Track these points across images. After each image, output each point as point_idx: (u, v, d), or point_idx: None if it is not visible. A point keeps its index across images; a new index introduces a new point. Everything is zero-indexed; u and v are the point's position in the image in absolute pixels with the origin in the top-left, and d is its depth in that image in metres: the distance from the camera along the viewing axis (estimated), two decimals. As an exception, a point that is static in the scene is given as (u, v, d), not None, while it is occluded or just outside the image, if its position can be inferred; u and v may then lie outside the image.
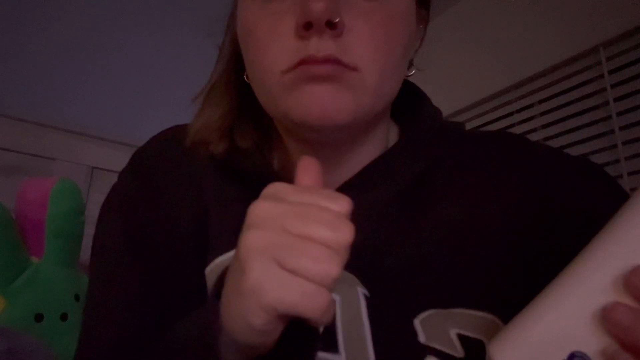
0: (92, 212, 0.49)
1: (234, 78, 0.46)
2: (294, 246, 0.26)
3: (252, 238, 0.27)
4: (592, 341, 0.27)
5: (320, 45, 0.35)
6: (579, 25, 1.32)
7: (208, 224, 0.43)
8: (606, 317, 0.26)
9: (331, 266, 0.26)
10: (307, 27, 0.35)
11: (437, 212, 0.42)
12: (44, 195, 1.06)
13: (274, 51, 0.37)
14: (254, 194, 0.43)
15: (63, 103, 1.57)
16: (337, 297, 0.38)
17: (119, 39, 1.65)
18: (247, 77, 0.44)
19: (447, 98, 1.63)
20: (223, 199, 0.44)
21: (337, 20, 0.34)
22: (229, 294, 0.28)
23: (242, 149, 0.44)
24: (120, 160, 0.51)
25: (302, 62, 0.35)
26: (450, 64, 1.64)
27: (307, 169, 0.31)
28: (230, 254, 0.41)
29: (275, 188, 0.30)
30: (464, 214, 0.41)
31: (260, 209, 0.28)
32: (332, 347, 0.36)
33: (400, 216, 0.42)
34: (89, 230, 0.47)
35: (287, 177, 0.42)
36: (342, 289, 0.39)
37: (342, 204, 0.28)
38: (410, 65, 0.46)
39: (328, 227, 0.26)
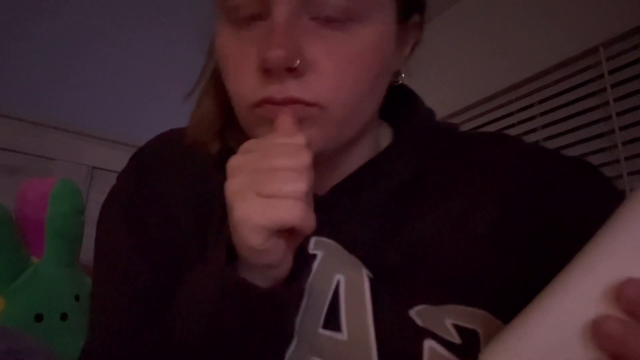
0: (92, 212, 0.49)
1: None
2: (265, 178, 0.31)
3: (232, 184, 0.33)
4: (583, 353, 0.26)
5: (281, 87, 0.35)
6: (579, 25, 1.32)
7: (212, 219, 0.43)
8: (596, 330, 0.26)
9: (297, 183, 0.31)
10: (267, 71, 0.35)
11: (430, 213, 0.42)
12: (44, 195, 1.06)
13: (241, 84, 0.38)
14: None
15: (63, 103, 1.57)
16: (341, 278, 0.39)
17: (119, 38, 1.65)
18: None
19: (448, 98, 1.64)
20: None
21: (297, 64, 0.34)
22: (232, 235, 0.33)
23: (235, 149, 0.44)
24: (120, 160, 0.51)
25: (266, 101, 0.36)
26: (450, 64, 1.64)
27: (284, 119, 0.35)
28: None
29: (244, 145, 0.35)
30: (458, 214, 0.41)
31: (234, 161, 0.34)
32: (335, 326, 0.37)
33: (393, 217, 0.42)
34: (89, 230, 0.47)
35: None
36: (347, 270, 0.39)
37: (298, 138, 0.33)
38: (398, 74, 0.46)
39: (288, 156, 0.32)
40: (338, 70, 0.36)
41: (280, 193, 0.31)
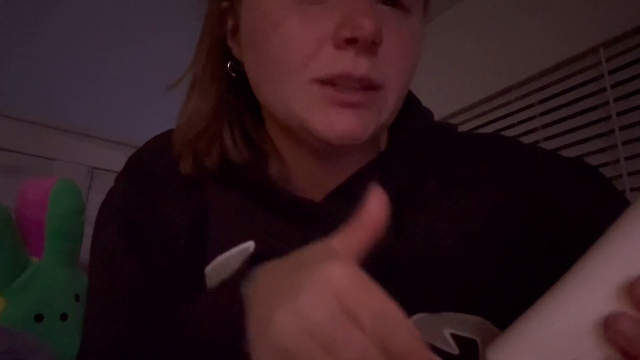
0: (92, 212, 0.49)
1: (219, 69, 0.44)
2: None
3: (282, 330, 0.24)
4: (593, 350, 0.26)
5: (358, 62, 0.34)
6: (579, 25, 1.32)
7: (207, 224, 0.43)
8: (609, 327, 0.26)
9: None
10: (350, 42, 0.34)
11: (428, 216, 0.41)
12: (44, 195, 1.06)
13: (306, 55, 0.35)
14: (253, 197, 0.43)
15: (63, 103, 1.57)
16: None
17: (119, 38, 1.65)
18: (231, 68, 0.43)
19: (448, 98, 1.63)
20: (222, 200, 0.44)
21: (379, 40, 0.34)
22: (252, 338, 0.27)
23: (237, 164, 0.43)
24: (120, 160, 0.51)
25: (339, 77, 0.35)
26: (450, 64, 1.64)
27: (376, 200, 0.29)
28: (231, 252, 0.41)
29: (333, 281, 0.24)
30: (456, 219, 0.41)
31: (307, 305, 0.24)
32: None
33: (390, 223, 0.41)
34: (89, 230, 0.47)
35: (286, 186, 0.42)
36: None
37: (401, 329, 0.24)
38: None
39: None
40: (401, 53, 0.36)
41: None
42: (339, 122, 0.35)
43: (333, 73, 0.35)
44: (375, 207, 0.28)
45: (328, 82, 0.35)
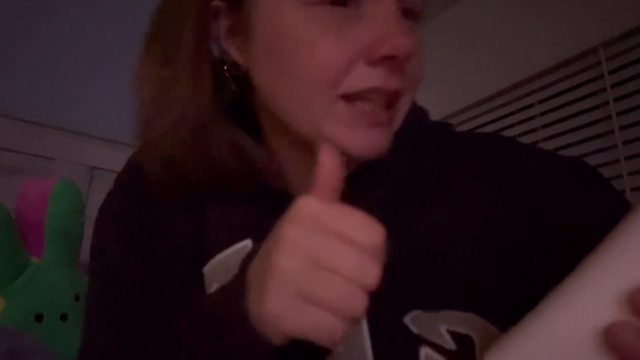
0: (92, 212, 0.49)
1: (207, 73, 0.41)
2: (319, 280, 0.27)
3: (281, 263, 0.27)
4: (594, 356, 0.26)
5: (391, 78, 0.36)
6: (579, 25, 1.32)
7: (205, 224, 0.43)
8: (610, 336, 0.25)
9: (353, 303, 0.26)
10: (385, 60, 0.35)
11: (425, 215, 0.41)
12: (44, 195, 1.06)
13: (337, 72, 0.35)
14: (249, 197, 0.43)
15: (63, 103, 1.57)
16: None
17: (119, 38, 1.65)
18: (229, 74, 0.42)
19: (448, 98, 1.63)
20: (221, 199, 0.44)
21: (411, 58, 0.35)
22: (253, 300, 0.29)
23: (230, 173, 0.42)
24: (120, 160, 0.51)
25: (369, 91, 0.36)
26: (450, 64, 1.64)
27: (329, 156, 0.31)
28: (229, 251, 0.41)
29: (309, 209, 0.29)
30: (452, 217, 0.41)
31: (294, 234, 0.28)
32: None
33: (389, 220, 0.41)
34: (89, 231, 0.47)
35: (282, 186, 0.42)
36: None
37: (375, 235, 0.28)
38: None
39: (355, 265, 0.27)
40: (418, 62, 0.38)
41: (329, 307, 0.26)
42: (366, 142, 0.37)
43: (364, 87, 0.36)
44: (328, 160, 0.30)
45: (356, 96, 0.36)
